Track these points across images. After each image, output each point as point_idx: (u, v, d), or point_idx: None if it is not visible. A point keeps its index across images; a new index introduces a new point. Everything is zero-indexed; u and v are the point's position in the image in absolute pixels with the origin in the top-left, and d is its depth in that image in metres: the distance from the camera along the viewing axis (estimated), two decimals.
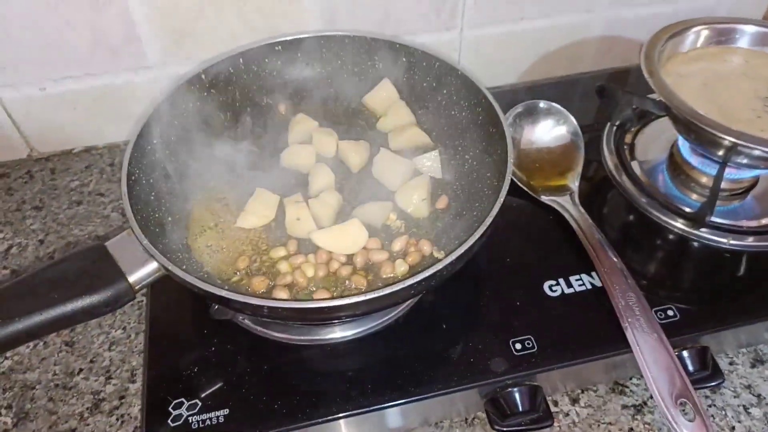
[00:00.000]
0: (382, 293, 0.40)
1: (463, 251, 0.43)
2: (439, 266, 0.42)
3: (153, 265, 0.44)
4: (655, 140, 0.69)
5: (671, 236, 0.61)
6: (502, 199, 0.47)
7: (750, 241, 0.60)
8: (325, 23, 0.75)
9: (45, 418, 0.57)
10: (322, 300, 0.40)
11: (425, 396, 0.50)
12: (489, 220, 0.45)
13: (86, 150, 0.81)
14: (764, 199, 0.64)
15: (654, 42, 0.60)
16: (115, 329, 0.63)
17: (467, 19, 0.80)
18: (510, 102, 0.69)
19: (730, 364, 0.61)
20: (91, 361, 0.61)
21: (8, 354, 0.61)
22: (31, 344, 0.62)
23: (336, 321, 0.50)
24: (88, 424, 0.56)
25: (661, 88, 0.56)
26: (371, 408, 0.49)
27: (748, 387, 0.59)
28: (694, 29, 0.62)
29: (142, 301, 0.61)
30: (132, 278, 0.44)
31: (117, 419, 0.57)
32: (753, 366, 0.61)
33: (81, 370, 0.60)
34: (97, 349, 0.62)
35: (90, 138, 0.81)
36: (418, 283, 0.42)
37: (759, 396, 0.58)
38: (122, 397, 0.58)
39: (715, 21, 0.62)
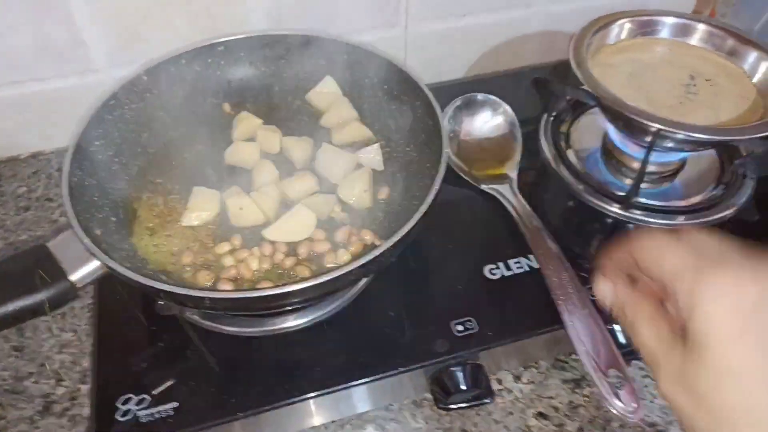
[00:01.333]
0: (318, 281, 0.42)
1: (398, 239, 0.45)
2: (374, 253, 0.44)
3: (95, 264, 0.45)
4: (590, 129, 0.72)
5: (606, 219, 0.64)
6: (437, 188, 0.49)
7: (681, 219, 0.64)
8: (271, 22, 0.76)
9: None
10: (259, 289, 0.41)
11: (372, 379, 0.52)
12: (424, 208, 0.47)
13: (33, 155, 0.81)
14: (691, 180, 0.68)
15: (582, 35, 0.63)
16: (65, 332, 0.63)
17: (411, 16, 0.82)
18: (455, 96, 0.72)
19: None
20: (41, 365, 0.61)
21: None
22: None
23: (278, 310, 0.51)
24: (38, 427, 0.57)
25: (587, 79, 0.59)
26: (319, 393, 0.51)
27: None
28: (620, 22, 0.65)
29: (93, 303, 0.61)
30: (73, 277, 0.45)
31: (68, 420, 0.57)
32: None
33: (31, 374, 0.60)
34: (47, 353, 0.62)
35: (37, 143, 0.80)
36: (356, 269, 0.44)
37: None
38: (73, 398, 0.58)
39: (639, 14, 0.65)
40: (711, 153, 0.69)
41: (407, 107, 0.60)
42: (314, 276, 0.43)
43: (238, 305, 0.45)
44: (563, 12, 0.88)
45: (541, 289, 0.58)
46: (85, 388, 0.58)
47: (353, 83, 0.65)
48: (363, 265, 0.44)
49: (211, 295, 0.42)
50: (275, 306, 0.47)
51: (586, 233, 0.66)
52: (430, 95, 0.57)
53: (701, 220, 0.64)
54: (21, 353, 0.62)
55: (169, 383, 0.51)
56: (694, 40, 0.66)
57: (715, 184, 0.67)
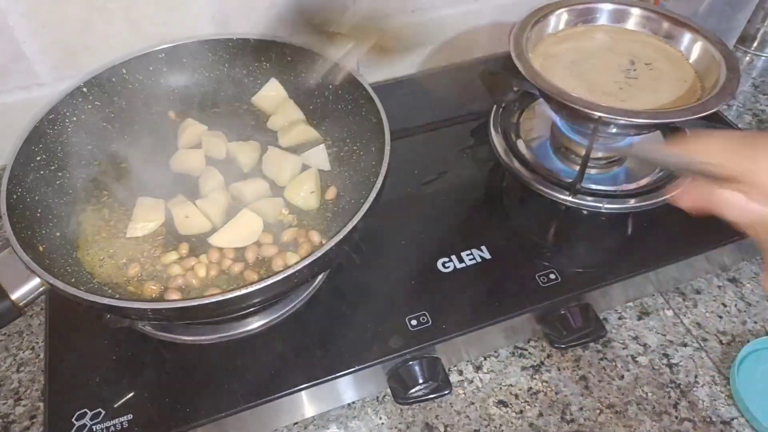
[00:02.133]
0: (260, 285, 0.42)
1: (341, 237, 0.46)
2: (317, 254, 0.44)
3: (36, 281, 0.45)
4: (539, 118, 0.73)
5: (555, 207, 0.65)
6: (379, 185, 0.49)
7: (632, 203, 0.65)
8: (218, 27, 0.76)
9: None
10: (198, 298, 0.41)
11: (329, 378, 0.52)
12: (366, 206, 0.48)
13: None
14: (638, 163, 0.69)
15: (522, 27, 0.64)
16: (23, 350, 0.63)
17: (362, 16, 0.82)
18: (407, 92, 0.73)
19: (619, 318, 0.66)
20: (0, 384, 0.60)
21: None
22: None
23: (226, 316, 0.52)
24: None
25: (527, 70, 0.59)
26: (276, 396, 0.51)
27: (635, 338, 0.64)
28: (558, 11, 0.66)
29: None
30: (15, 295, 0.44)
31: None
32: (639, 318, 0.66)
33: None
34: (4, 372, 0.61)
35: None
36: (298, 271, 0.44)
37: (645, 345, 0.63)
38: (33, 417, 0.58)
39: (577, 2, 0.66)
40: (657, 135, 0.71)
41: (352, 106, 0.61)
42: (257, 281, 0.43)
43: (180, 315, 0.44)
44: (512, 3, 0.89)
45: (492, 279, 0.59)
46: (44, 406, 0.58)
47: (298, 85, 0.65)
48: (307, 266, 0.45)
49: (153, 306, 0.42)
50: (221, 312, 0.47)
51: (540, 222, 0.67)
52: (373, 93, 0.57)
53: (651, 201, 0.65)
54: None
55: (123, 395, 0.51)
56: (631, 24, 0.67)
57: (661, 167, 0.68)
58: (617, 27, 0.67)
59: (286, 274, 0.43)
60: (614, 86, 0.62)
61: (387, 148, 0.52)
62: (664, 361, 0.62)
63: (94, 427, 0.49)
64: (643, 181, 0.68)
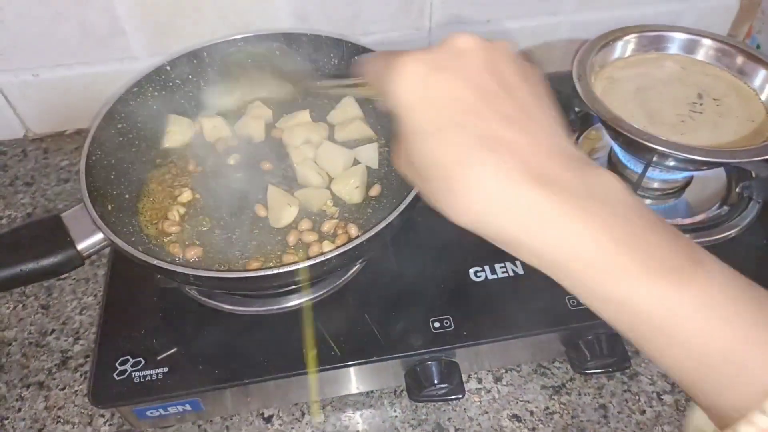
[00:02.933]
0: (289, 268, 0.46)
1: (374, 233, 0.48)
2: (347, 246, 0.47)
3: (100, 236, 0.50)
4: (598, 141, 0.72)
5: None
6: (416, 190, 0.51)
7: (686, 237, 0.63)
8: (297, 21, 0.80)
9: (18, 371, 0.64)
10: (240, 271, 0.45)
11: (347, 364, 0.55)
12: (402, 207, 0.50)
13: (77, 132, 0.88)
14: (697, 198, 0.68)
15: (590, 48, 0.64)
16: (87, 296, 0.70)
17: (435, 20, 0.84)
18: None
19: None
20: (63, 323, 0.67)
21: None
22: (11, 305, 0.69)
23: (259, 291, 0.55)
24: (54, 379, 0.63)
25: (585, 93, 0.59)
26: (299, 372, 0.55)
27: (664, 376, 0.63)
28: (629, 36, 0.65)
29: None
30: (80, 246, 0.50)
31: (81, 375, 0.63)
32: None
33: (53, 330, 0.67)
34: (69, 313, 0.68)
35: (82, 121, 0.87)
36: (329, 259, 0.47)
37: (673, 384, 0.62)
38: (87, 356, 0.65)
39: (649, 29, 0.65)
40: (719, 172, 0.68)
41: None
42: (289, 264, 0.46)
43: (218, 284, 0.49)
44: (590, 21, 0.88)
45: (521, 294, 0.59)
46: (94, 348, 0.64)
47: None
48: (336, 257, 0.48)
49: (194, 273, 0.46)
50: (253, 287, 0.51)
51: None
52: None
53: (704, 239, 0.63)
54: (47, 311, 0.68)
55: (163, 350, 0.56)
56: (704, 56, 0.65)
57: (720, 204, 0.66)
58: (689, 57, 0.66)
59: (313, 262, 0.46)
60: (676, 118, 0.61)
61: None
62: (691, 403, 0.60)
63: (133, 373, 0.54)
64: (700, 217, 0.66)
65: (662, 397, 0.61)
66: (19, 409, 0.61)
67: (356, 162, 0.63)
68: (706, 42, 0.65)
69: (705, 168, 0.62)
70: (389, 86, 0.32)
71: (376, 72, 0.34)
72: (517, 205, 0.30)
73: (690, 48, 0.66)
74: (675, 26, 0.65)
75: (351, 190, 0.59)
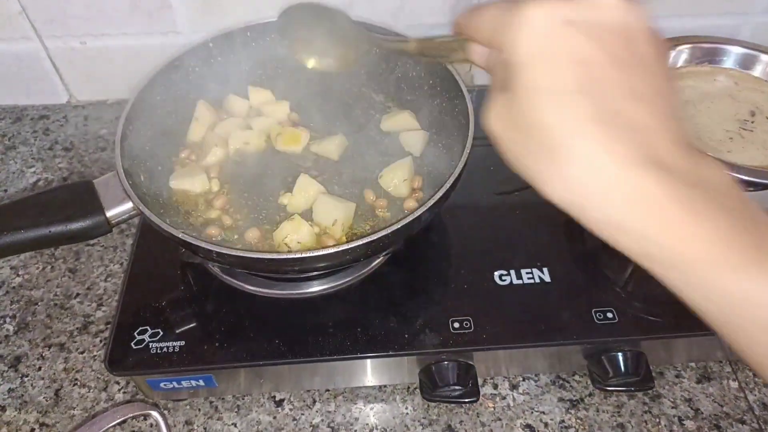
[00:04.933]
0: (318, 253, 0.45)
1: (397, 227, 0.47)
2: (371, 237, 0.47)
3: (129, 205, 0.50)
4: None
5: None
6: (447, 186, 0.51)
7: None
8: (343, 4, 0.79)
9: (41, 330, 0.65)
10: (261, 252, 0.45)
11: (362, 356, 0.55)
12: (431, 202, 0.49)
13: (118, 102, 0.89)
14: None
15: None
16: (113, 263, 0.71)
17: None
18: None
19: (676, 376, 0.62)
20: (88, 288, 0.68)
21: (20, 272, 0.70)
22: (40, 266, 0.70)
23: (282, 274, 0.55)
24: (75, 342, 0.64)
25: None
26: (313, 359, 0.54)
27: (689, 400, 0.60)
28: (682, 47, 0.63)
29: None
30: (109, 213, 0.50)
31: (101, 341, 0.64)
32: (698, 381, 0.62)
33: (78, 294, 0.68)
34: (95, 279, 0.69)
35: (123, 91, 0.87)
36: (351, 249, 0.46)
37: (697, 410, 0.60)
38: (108, 323, 0.65)
39: (703, 40, 0.62)
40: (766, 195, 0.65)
41: (447, 104, 0.62)
42: (312, 250, 0.46)
43: (239, 262, 0.48)
44: None
45: (545, 302, 0.58)
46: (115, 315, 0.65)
47: (404, 74, 0.67)
48: (362, 245, 0.47)
49: (217, 249, 0.46)
50: (276, 270, 0.51)
51: (611, 257, 0.64)
52: (467, 94, 0.58)
53: None
54: (74, 275, 0.70)
55: (181, 324, 0.56)
56: (760, 72, 0.62)
57: None
58: (744, 73, 0.63)
59: (336, 250, 0.46)
60: (724, 134, 0.58)
61: (467, 151, 0.53)
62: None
63: (150, 343, 0.54)
64: None
65: (684, 422, 0.59)
66: (39, 368, 0.62)
67: (405, 154, 0.63)
68: (764, 57, 0.62)
69: (752, 189, 0.60)
70: (508, 35, 0.29)
71: (493, 19, 0.31)
72: (626, 188, 0.27)
73: (745, 63, 0.63)
74: (731, 39, 0.63)
75: (398, 183, 0.59)
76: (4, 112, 0.88)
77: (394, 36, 0.59)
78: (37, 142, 0.84)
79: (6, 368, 0.62)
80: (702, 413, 0.60)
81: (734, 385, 0.62)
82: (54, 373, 0.62)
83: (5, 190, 0.78)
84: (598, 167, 0.28)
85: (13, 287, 0.69)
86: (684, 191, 0.27)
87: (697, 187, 0.28)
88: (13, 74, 0.84)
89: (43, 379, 0.61)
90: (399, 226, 0.49)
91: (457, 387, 0.55)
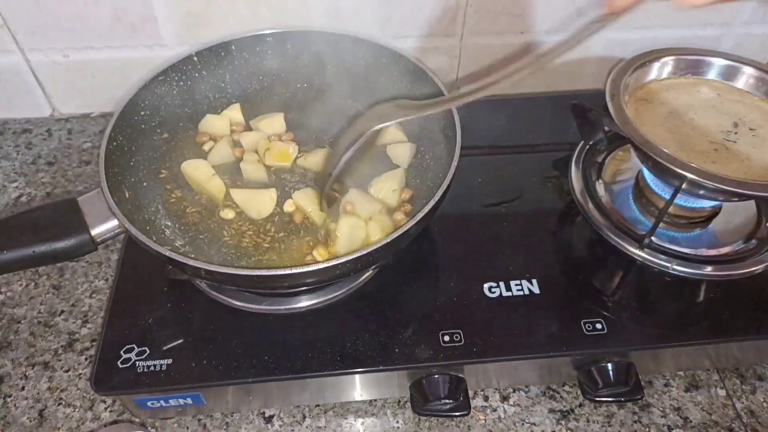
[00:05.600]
0: (308, 269, 0.45)
1: (387, 242, 0.47)
2: (361, 252, 0.46)
3: (114, 222, 0.50)
4: (626, 163, 0.71)
5: (620, 256, 0.63)
6: (436, 199, 0.51)
7: (708, 270, 0.61)
8: (329, 20, 0.79)
9: (24, 349, 0.64)
10: (246, 268, 0.45)
11: (352, 371, 0.54)
12: (419, 216, 0.49)
13: (102, 115, 0.88)
14: (724, 230, 0.66)
15: (625, 68, 0.62)
16: (98, 279, 0.70)
17: (468, 28, 0.83)
18: (497, 110, 0.73)
19: (665, 385, 0.63)
20: (73, 305, 0.67)
21: (2, 289, 0.68)
22: (24, 283, 0.69)
23: (270, 290, 0.55)
24: (60, 360, 0.63)
25: (617, 114, 0.58)
26: (302, 375, 0.54)
27: (678, 409, 0.61)
28: (666, 58, 0.63)
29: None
30: (94, 231, 0.50)
31: (86, 359, 0.63)
32: (687, 390, 0.62)
33: (62, 311, 0.67)
34: (79, 295, 0.68)
35: (107, 104, 0.88)
36: (342, 263, 0.46)
37: (686, 419, 0.60)
38: (93, 340, 0.64)
39: (687, 52, 0.63)
40: (750, 205, 0.66)
41: (433, 116, 0.62)
42: (299, 265, 0.46)
43: (228, 279, 0.48)
44: (626, 40, 0.86)
45: (535, 314, 0.58)
46: (100, 334, 0.64)
47: (390, 86, 0.67)
48: (351, 261, 0.47)
49: (206, 267, 0.46)
50: (267, 286, 0.50)
51: (600, 268, 0.65)
52: (454, 108, 0.58)
53: (728, 272, 0.61)
54: (58, 292, 0.68)
55: (169, 342, 0.55)
56: (743, 84, 0.63)
57: (748, 238, 0.64)
58: (727, 84, 0.64)
59: (326, 265, 0.45)
60: (708, 146, 0.59)
61: (454, 163, 0.53)
62: None
63: (137, 362, 0.54)
64: (725, 249, 0.64)
65: (673, 431, 0.59)
66: (23, 388, 0.61)
67: (393, 166, 0.63)
68: (747, 69, 0.63)
69: (735, 199, 0.61)
70: None
71: None
72: None
73: (728, 74, 0.64)
74: (714, 51, 0.63)
75: (388, 193, 0.59)
76: None
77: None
78: (20, 156, 0.83)
79: None
80: (691, 422, 0.60)
81: (722, 393, 0.62)
82: (38, 393, 0.61)
83: None
84: None
85: None
86: None
87: None
88: None
89: (26, 399, 0.60)
90: (388, 241, 0.48)
91: (448, 400, 0.55)
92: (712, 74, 0.64)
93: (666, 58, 0.64)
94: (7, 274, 0.64)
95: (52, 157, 0.83)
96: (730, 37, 0.85)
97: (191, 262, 0.46)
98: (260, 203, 0.59)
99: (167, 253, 0.46)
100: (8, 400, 0.60)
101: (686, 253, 0.62)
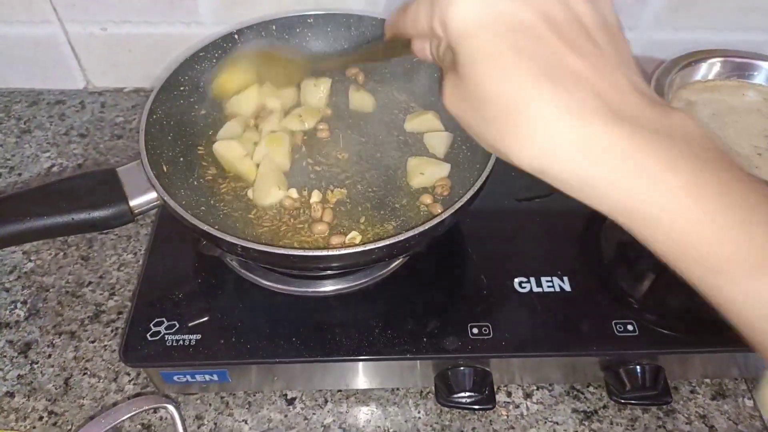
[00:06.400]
0: (343, 251, 0.45)
1: (418, 232, 0.47)
2: (391, 240, 0.46)
3: (152, 195, 0.50)
4: None
5: (654, 259, 0.61)
6: (472, 192, 0.50)
7: None
8: (368, 5, 0.79)
9: (52, 317, 0.64)
10: (284, 247, 0.45)
11: (377, 358, 0.54)
12: (451, 211, 0.49)
13: (135, 90, 0.89)
14: None
15: (669, 67, 0.61)
16: (127, 253, 0.70)
17: None
18: None
19: (691, 392, 0.62)
20: (101, 277, 0.68)
21: (32, 257, 0.69)
22: (53, 252, 0.69)
23: (302, 271, 0.55)
24: (86, 330, 0.63)
25: None
26: (327, 359, 0.54)
27: (703, 417, 0.60)
28: (712, 60, 0.62)
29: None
30: (132, 203, 0.50)
31: (111, 331, 0.63)
32: (713, 398, 0.61)
33: (90, 282, 0.67)
34: (107, 267, 0.68)
35: (140, 80, 0.88)
36: (370, 249, 0.46)
37: (711, 427, 0.59)
38: (120, 313, 0.65)
39: (734, 54, 0.62)
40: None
41: None
42: (337, 246, 0.46)
43: (263, 257, 0.48)
44: (667, 41, 0.84)
45: (565, 311, 0.57)
46: (130, 306, 0.64)
47: (429, 74, 0.67)
48: (386, 246, 0.46)
49: (242, 243, 0.46)
50: (300, 266, 0.50)
51: (633, 269, 0.64)
52: None
53: None
54: (86, 263, 0.69)
55: (198, 317, 0.55)
56: None
57: None
58: None
59: (359, 249, 0.45)
60: (751, 150, 0.58)
61: (492, 161, 0.52)
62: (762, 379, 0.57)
63: (166, 335, 0.54)
64: None
65: None
66: (50, 356, 0.61)
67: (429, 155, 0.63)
68: None
69: None
70: (441, 18, 0.29)
71: (423, 9, 0.31)
72: (589, 143, 0.27)
73: None
74: (764, 55, 0.62)
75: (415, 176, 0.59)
76: (20, 95, 0.87)
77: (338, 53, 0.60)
78: (53, 127, 0.83)
79: (16, 354, 0.61)
80: (717, 430, 0.59)
81: (749, 403, 0.61)
82: (64, 362, 0.61)
83: (19, 174, 0.77)
84: (554, 125, 0.27)
85: (25, 272, 0.68)
86: (652, 141, 0.27)
87: (666, 136, 0.27)
88: (30, 58, 0.84)
89: (52, 366, 0.61)
90: (425, 228, 0.48)
91: (473, 393, 0.54)
92: (759, 78, 0.63)
93: (714, 59, 0.62)
94: (43, 240, 0.65)
95: (85, 129, 0.83)
96: None
97: (228, 238, 0.46)
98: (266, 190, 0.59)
99: (206, 228, 0.46)
100: (35, 366, 0.61)
101: None
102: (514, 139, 0.29)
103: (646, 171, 0.27)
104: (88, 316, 0.65)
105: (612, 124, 0.27)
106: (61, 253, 0.69)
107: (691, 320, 0.59)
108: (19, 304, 0.65)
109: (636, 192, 0.27)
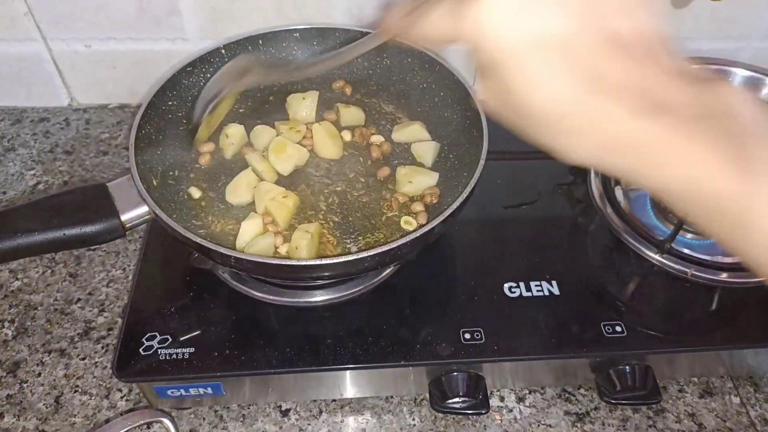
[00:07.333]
0: (335, 260, 0.45)
1: (408, 240, 0.48)
2: (382, 248, 0.47)
3: (144, 209, 0.50)
4: None
5: (640, 261, 0.63)
6: (464, 196, 0.51)
7: (723, 276, 0.62)
8: (351, 19, 0.80)
9: (41, 336, 0.64)
10: (275, 258, 0.45)
11: (370, 366, 0.54)
12: (441, 218, 0.49)
13: (120, 107, 0.89)
14: None
15: None
16: (115, 269, 0.70)
17: None
18: None
19: (680, 391, 0.63)
20: (90, 293, 0.67)
21: (19, 276, 0.68)
22: (40, 270, 0.69)
23: (295, 281, 0.55)
24: (76, 348, 0.63)
25: None
26: (321, 368, 0.54)
27: (692, 415, 0.61)
28: None
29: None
30: (124, 217, 0.50)
31: (102, 347, 0.63)
32: (701, 396, 0.63)
33: (79, 299, 0.67)
34: (96, 284, 0.68)
35: (125, 96, 0.88)
36: (362, 258, 0.46)
37: (700, 425, 0.60)
38: (110, 329, 0.64)
39: (709, 62, 0.64)
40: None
41: (458, 115, 0.62)
42: (325, 257, 0.46)
43: (256, 268, 0.48)
44: None
45: (555, 314, 0.58)
46: (122, 322, 0.64)
47: (415, 85, 0.68)
48: (378, 254, 0.47)
49: (236, 255, 0.46)
50: (292, 277, 0.50)
51: (620, 272, 0.65)
52: (482, 108, 0.58)
53: (742, 279, 0.62)
54: (74, 280, 0.68)
55: (190, 331, 0.55)
56: (765, 94, 0.64)
57: None
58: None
59: (350, 258, 0.46)
60: None
61: (481, 161, 0.53)
62: None
63: (159, 350, 0.54)
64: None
65: None
66: (39, 374, 0.61)
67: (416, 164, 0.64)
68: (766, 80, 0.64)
69: None
70: (472, 30, 0.29)
71: (445, 20, 0.31)
72: (636, 140, 0.28)
73: (751, 86, 0.65)
74: (737, 62, 0.64)
75: (414, 185, 0.61)
76: (3, 113, 0.86)
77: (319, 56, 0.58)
78: (37, 144, 0.83)
79: (4, 374, 0.61)
80: (705, 428, 0.60)
81: (736, 400, 0.62)
82: (54, 380, 0.60)
83: (4, 192, 0.76)
84: (604, 129, 0.29)
85: (12, 291, 0.67)
86: (692, 127, 0.28)
87: (707, 119, 0.28)
88: (14, 75, 0.83)
89: (42, 385, 0.60)
90: (415, 236, 0.49)
91: (467, 398, 0.55)
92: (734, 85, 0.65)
93: None
94: (33, 257, 0.64)
95: (70, 146, 0.83)
96: (748, 50, 0.86)
97: (222, 250, 0.46)
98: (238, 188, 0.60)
99: (198, 240, 0.46)
100: (24, 386, 0.60)
101: (704, 259, 0.63)
102: (568, 139, 0.30)
103: (692, 156, 0.28)
104: (78, 333, 0.64)
105: (654, 117, 0.28)
106: (49, 271, 0.69)
107: (677, 320, 0.61)
108: (6, 324, 0.64)
109: (683, 177, 0.29)
